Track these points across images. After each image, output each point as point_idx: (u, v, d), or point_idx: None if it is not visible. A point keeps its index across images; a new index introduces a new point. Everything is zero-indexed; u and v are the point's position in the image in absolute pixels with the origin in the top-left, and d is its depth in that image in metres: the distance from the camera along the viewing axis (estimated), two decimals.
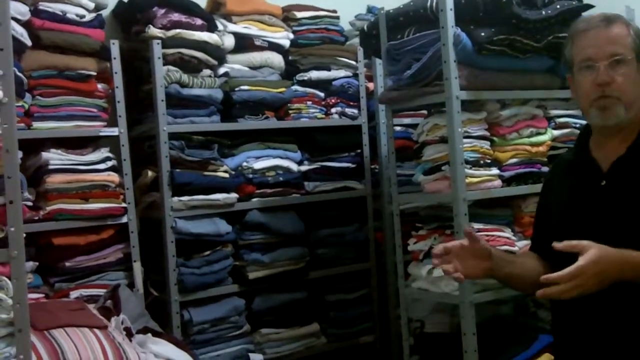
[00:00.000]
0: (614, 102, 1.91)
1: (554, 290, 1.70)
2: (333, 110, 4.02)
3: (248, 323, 3.59)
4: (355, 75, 4.10)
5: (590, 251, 1.70)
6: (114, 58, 3.29)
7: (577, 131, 3.28)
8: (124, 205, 3.26)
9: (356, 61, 4.10)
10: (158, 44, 3.37)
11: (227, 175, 3.56)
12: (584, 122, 3.27)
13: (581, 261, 1.69)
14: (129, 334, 2.63)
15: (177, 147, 3.42)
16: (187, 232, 3.40)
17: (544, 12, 3.07)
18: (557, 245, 1.73)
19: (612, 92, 1.91)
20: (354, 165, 4.07)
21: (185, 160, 3.43)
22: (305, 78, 3.93)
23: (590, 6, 3.14)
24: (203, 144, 3.53)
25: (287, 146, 3.84)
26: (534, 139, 3.20)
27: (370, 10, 4.38)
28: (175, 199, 3.39)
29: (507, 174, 3.12)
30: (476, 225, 2.97)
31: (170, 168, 3.37)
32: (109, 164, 3.25)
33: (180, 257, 3.40)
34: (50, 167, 3.10)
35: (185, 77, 3.45)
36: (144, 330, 2.77)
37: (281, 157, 3.78)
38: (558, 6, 3.10)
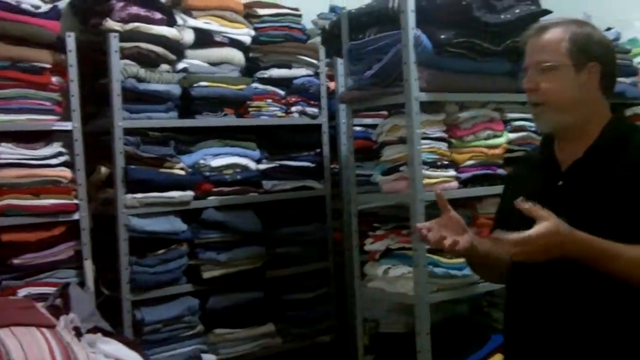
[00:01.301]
0: (541, 110, 1.97)
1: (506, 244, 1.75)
2: (293, 108, 4.01)
3: (202, 323, 3.56)
4: (317, 74, 4.11)
5: (545, 222, 1.74)
6: (70, 51, 3.23)
7: (533, 134, 3.35)
8: (76, 201, 3.21)
9: (318, 60, 4.10)
10: (115, 37, 3.33)
11: (183, 172, 3.54)
12: None
13: (533, 230, 1.73)
14: (78, 334, 2.58)
15: (133, 143, 3.37)
16: (141, 230, 3.36)
17: (503, 17, 3.11)
18: (522, 204, 1.77)
19: (537, 99, 1.97)
20: (313, 165, 4.08)
21: (141, 157, 3.39)
22: (266, 76, 3.92)
23: (548, 12, 3.18)
24: (160, 140, 3.49)
25: (245, 144, 3.83)
26: (490, 142, 3.23)
27: (332, 9, 4.39)
28: (130, 196, 3.34)
29: (463, 175, 3.15)
30: None
31: (125, 164, 3.33)
32: (62, 159, 3.20)
33: (134, 255, 3.36)
34: (1, 161, 3.04)
35: (142, 72, 3.41)
36: (94, 330, 2.72)
37: (240, 155, 3.77)
38: (517, 11, 3.14)
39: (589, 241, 1.79)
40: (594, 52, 1.97)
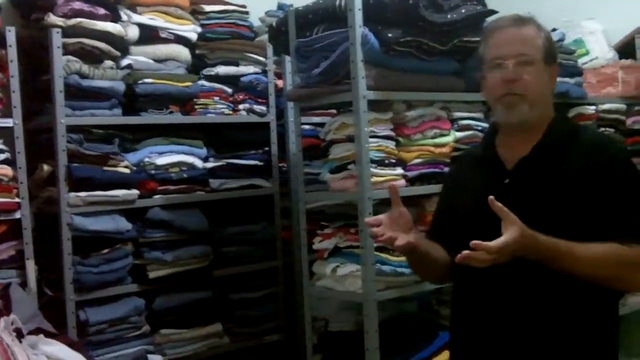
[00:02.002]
0: (519, 100, 1.99)
1: (476, 255, 1.74)
2: (241, 106, 4.02)
3: (148, 323, 3.55)
4: (265, 72, 4.12)
5: (514, 229, 1.76)
6: (10, 46, 3.20)
7: (480, 133, 3.38)
8: (17, 200, 3.18)
9: (265, 58, 4.11)
10: (58, 32, 3.29)
11: (128, 170, 3.51)
12: (486, 125, 3.41)
13: (506, 238, 1.75)
14: (20, 335, 2.55)
15: (76, 140, 3.34)
16: (84, 229, 3.33)
17: (449, 16, 3.14)
18: (495, 202, 1.77)
19: (517, 90, 1.98)
20: (261, 163, 4.09)
21: (84, 155, 3.36)
22: (213, 73, 3.93)
23: (494, 12, 3.23)
24: (103, 138, 3.47)
25: (192, 142, 3.82)
26: (437, 140, 3.26)
27: (280, 7, 4.40)
28: (73, 194, 3.31)
29: (411, 173, 3.18)
30: None
31: (68, 162, 3.30)
32: (2, 156, 3.17)
33: (77, 255, 3.33)
34: None
35: (85, 68, 3.38)
36: (36, 331, 2.69)
37: (186, 153, 3.76)
38: (463, 10, 3.18)
39: (550, 243, 1.82)
40: (555, 53, 2.09)
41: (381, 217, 1.98)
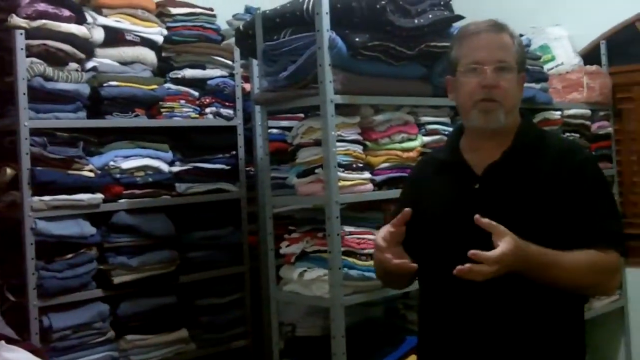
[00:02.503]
0: (496, 106, 1.99)
1: (478, 268, 1.74)
2: (207, 110, 4.02)
3: (113, 329, 3.53)
4: (232, 75, 4.13)
5: (508, 240, 1.76)
6: None
7: (446, 138, 3.43)
8: None
9: (232, 61, 4.12)
10: (21, 34, 3.27)
11: (92, 174, 3.49)
12: (452, 129, 3.45)
13: (503, 249, 1.75)
14: None
15: (39, 143, 3.32)
16: (48, 234, 3.31)
17: (417, 21, 3.17)
18: (481, 219, 1.78)
19: (495, 96, 1.98)
20: (228, 167, 4.09)
21: (48, 158, 3.33)
22: (179, 76, 3.93)
23: (461, 17, 3.29)
24: (67, 141, 3.44)
25: (158, 146, 3.80)
26: (405, 145, 3.30)
27: (248, 10, 4.41)
28: (36, 198, 3.28)
29: (378, 178, 3.20)
30: (347, 228, 3.03)
31: (31, 166, 3.27)
32: None
33: (41, 259, 3.30)
34: None
35: (50, 70, 3.35)
36: None
37: (151, 157, 3.74)
38: (430, 16, 3.22)
39: (539, 252, 1.83)
40: (525, 61, 2.12)
41: (387, 236, 1.96)
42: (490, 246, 1.78)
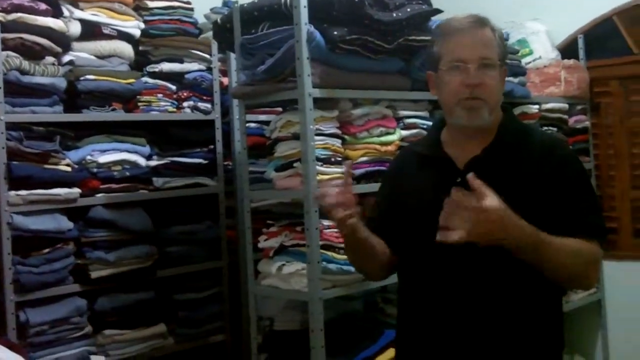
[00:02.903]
0: (481, 104, 1.99)
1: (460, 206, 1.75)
2: (185, 104, 4.04)
3: (90, 324, 3.55)
4: (209, 69, 4.14)
5: (495, 199, 1.75)
6: None
7: (425, 132, 3.42)
8: None
9: (210, 55, 4.14)
10: None
11: (69, 168, 3.50)
12: (431, 123, 3.48)
13: (492, 201, 1.74)
14: None
15: (16, 137, 3.33)
16: (25, 229, 3.32)
17: (395, 15, 3.18)
18: (473, 179, 1.75)
19: (480, 94, 1.98)
20: (206, 161, 4.11)
21: (24, 152, 3.34)
22: (157, 70, 3.94)
23: (439, 11, 3.31)
24: (44, 135, 3.45)
25: (135, 140, 3.82)
26: (383, 139, 3.31)
27: (225, 3, 4.42)
28: (13, 193, 3.29)
29: (357, 172, 3.20)
30: (326, 222, 3.04)
31: (8, 160, 3.27)
32: None
33: (17, 254, 3.31)
34: None
35: (26, 64, 3.36)
36: None
37: (129, 151, 3.76)
38: (409, 9, 3.23)
39: (532, 228, 1.82)
40: (506, 54, 2.13)
41: (329, 190, 1.98)
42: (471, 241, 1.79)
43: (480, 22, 2.03)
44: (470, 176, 1.76)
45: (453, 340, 1.99)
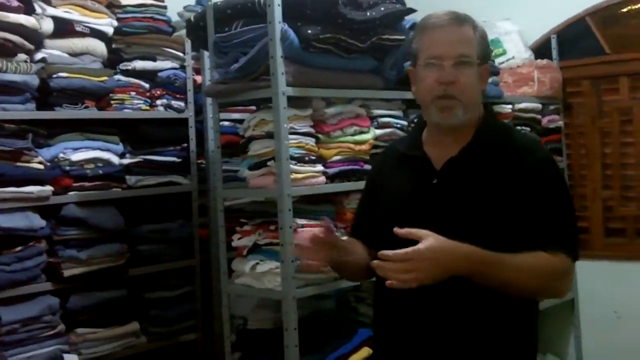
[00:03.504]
0: (455, 103, 1.99)
1: (386, 266, 1.75)
2: (158, 102, 4.07)
3: (63, 322, 3.56)
4: (183, 67, 4.18)
5: (428, 239, 1.76)
6: None
7: (399, 131, 3.49)
8: None
9: (183, 53, 4.17)
10: None
11: (41, 166, 3.52)
12: (405, 122, 3.54)
13: (418, 245, 1.75)
14: None
15: None
16: None
17: (368, 14, 3.22)
18: (399, 230, 1.79)
19: (453, 92, 1.98)
20: (179, 160, 4.14)
21: None
22: (130, 67, 3.97)
23: (412, 10, 3.35)
24: (16, 133, 3.46)
25: (108, 138, 3.84)
26: (357, 137, 3.35)
27: (199, 2, 4.43)
28: None
29: (331, 170, 3.24)
30: (300, 221, 3.07)
31: None
32: None
33: None
34: None
35: None
36: None
37: (101, 149, 3.78)
38: (382, 8, 3.26)
39: (478, 250, 1.82)
40: (488, 53, 2.10)
41: (314, 234, 1.97)
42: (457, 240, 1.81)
43: (459, 20, 2.03)
44: (397, 230, 1.79)
45: (426, 340, 2.00)
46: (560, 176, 2.06)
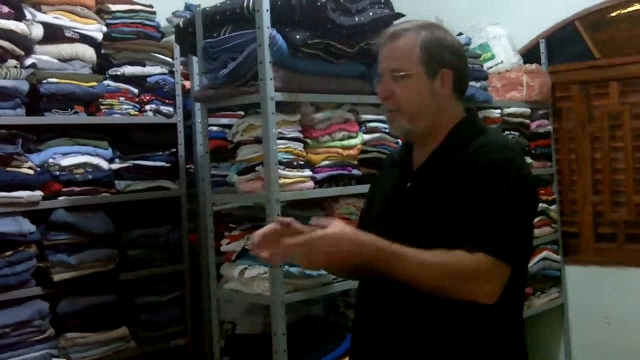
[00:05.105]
0: (395, 115, 2.08)
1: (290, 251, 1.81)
2: (147, 107, 4.12)
3: (52, 327, 3.60)
4: (171, 73, 4.23)
5: (330, 227, 1.81)
6: None
7: (387, 136, 3.54)
8: None
9: (172, 58, 4.22)
10: None
11: (31, 171, 3.56)
12: None
13: (312, 233, 1.81)
14: None
15: None
16: None
17: (357, 19, 3.29)
18: (315, 220, 1.86)
19: (391, 106, 2.09)
20: (168, 165, 4.19)
21: None
22: (119, 73, 4.02)
23: (401, 15, 3.40)
24: (6, 138, 3.51)
25: (97, 143, 3.90)
26: (345, 142, 3.40)
27: (188, 7, 4.49)
28: None
29: (319, 175, 3.28)
30: None
31: None
32: None
33: None
34: None
35: None
36: None
37: (91, 154, 3.83)
38: (371, 14, 3.34)
39: (377, 242, 1.84)
40: (446, 58, 2.06)
41: (265, 230, 1.97)
42: (419, 245, 1.84)
43: (396, 34, 2.09)
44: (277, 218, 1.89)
45: (401, 347, 2.00)
46: (508, 181, 1.94)
